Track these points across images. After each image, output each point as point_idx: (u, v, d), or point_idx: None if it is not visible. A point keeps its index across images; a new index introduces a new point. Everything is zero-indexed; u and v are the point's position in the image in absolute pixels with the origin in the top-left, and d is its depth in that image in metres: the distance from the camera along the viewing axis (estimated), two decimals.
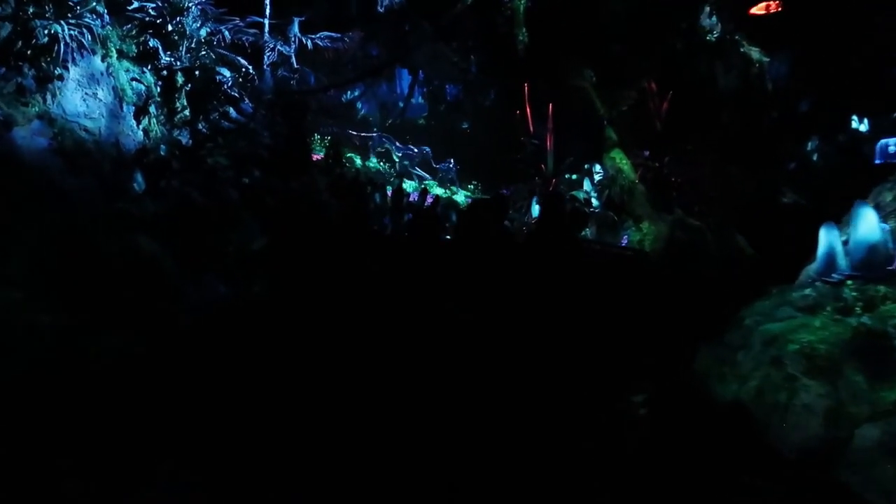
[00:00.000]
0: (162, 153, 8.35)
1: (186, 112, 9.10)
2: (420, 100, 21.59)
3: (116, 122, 8.32)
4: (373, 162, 14.43)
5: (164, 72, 8.93)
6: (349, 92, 20.20)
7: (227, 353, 6.19)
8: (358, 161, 13.81)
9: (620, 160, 12.15)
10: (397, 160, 14.67)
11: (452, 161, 14.51)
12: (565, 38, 12.84)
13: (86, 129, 7.89)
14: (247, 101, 9.72)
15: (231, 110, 9.46)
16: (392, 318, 5.91)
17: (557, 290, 5.20)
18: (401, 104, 20.86)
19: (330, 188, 10.01)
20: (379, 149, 14.94)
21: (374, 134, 15.98)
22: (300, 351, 6.11)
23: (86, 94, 7.98)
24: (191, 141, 9.08)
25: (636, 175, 11.98)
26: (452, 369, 4.94)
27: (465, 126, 19.05)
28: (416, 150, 14.84)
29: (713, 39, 12.10)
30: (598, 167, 12.02)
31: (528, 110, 12.86)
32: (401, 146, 15.08)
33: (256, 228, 8.76)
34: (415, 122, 20.12)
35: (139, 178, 7.94)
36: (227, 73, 9.37)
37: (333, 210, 9.50)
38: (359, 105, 20.52)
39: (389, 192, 11.54)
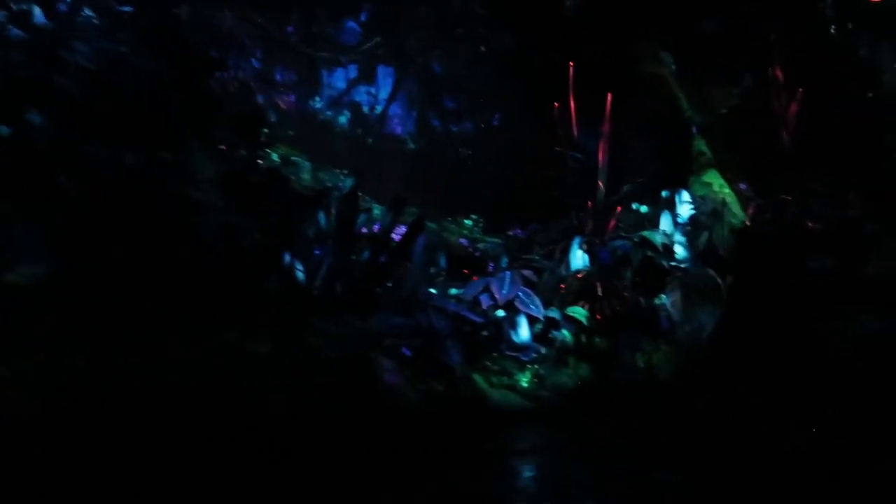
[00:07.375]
0: None
1: None
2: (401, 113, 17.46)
3: None
4: None
5: None
6: (316, 96, 15.90)
7: None
8: (307, 167, 9.32)
9: (721, 188, 7.90)
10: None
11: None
12: (637, 3, 8.79)
13: None
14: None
15: (36, 11, 4.99)
16: None
17: None
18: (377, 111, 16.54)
19: (224, 182, 5.49)
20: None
21: None
22: None
23: None
24: None
25: (747, 215, 7.69)
26: None
27: (468, 152, 14.72)
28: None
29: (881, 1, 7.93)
30: (685, 195, 7.69)
31: (571, 106, 8.55)
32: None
33: (28, 239, 4.17)
34: (397, 140, 15.77)
35: None
36: None
37: (217, 221, 4.97)
38: (322, 110, 16.11)
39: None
